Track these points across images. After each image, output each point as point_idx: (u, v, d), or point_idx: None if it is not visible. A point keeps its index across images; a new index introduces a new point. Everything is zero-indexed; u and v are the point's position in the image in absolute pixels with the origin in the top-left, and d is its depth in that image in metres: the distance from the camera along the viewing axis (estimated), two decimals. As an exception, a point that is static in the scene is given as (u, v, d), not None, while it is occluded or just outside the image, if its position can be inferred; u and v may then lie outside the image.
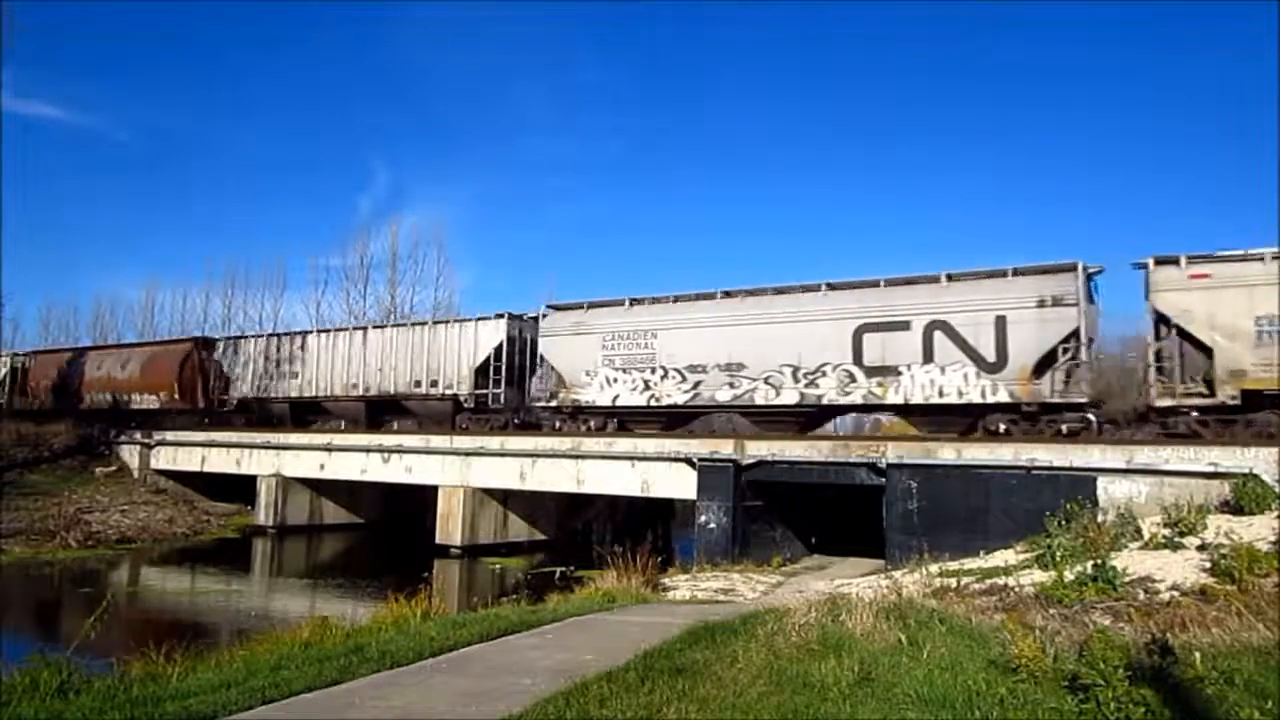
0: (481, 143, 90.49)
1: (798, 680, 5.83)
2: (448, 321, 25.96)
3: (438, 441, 23.56)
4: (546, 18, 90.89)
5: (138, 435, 31.21)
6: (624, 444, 20.34)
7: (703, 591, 14.09)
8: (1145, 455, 14.38)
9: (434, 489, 23.18)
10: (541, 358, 23.86)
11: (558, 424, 23.15)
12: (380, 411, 27.77)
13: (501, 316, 24.57)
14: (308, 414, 29.70)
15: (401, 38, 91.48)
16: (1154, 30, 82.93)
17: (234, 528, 27.37)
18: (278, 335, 30.80)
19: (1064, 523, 13.26)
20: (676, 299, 21.86)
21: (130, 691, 5.96)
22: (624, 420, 22.19)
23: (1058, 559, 11.41)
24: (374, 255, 47.13)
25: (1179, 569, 10.57)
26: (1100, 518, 13.48)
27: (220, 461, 28.74)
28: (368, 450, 24.90)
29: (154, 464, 30.33)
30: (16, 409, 36.53)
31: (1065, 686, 5.22)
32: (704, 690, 5.66)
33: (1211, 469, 13.72)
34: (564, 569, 17.89)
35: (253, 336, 31.67)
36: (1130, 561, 11.11)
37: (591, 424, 22.33)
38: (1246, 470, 13.28)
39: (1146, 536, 12.38)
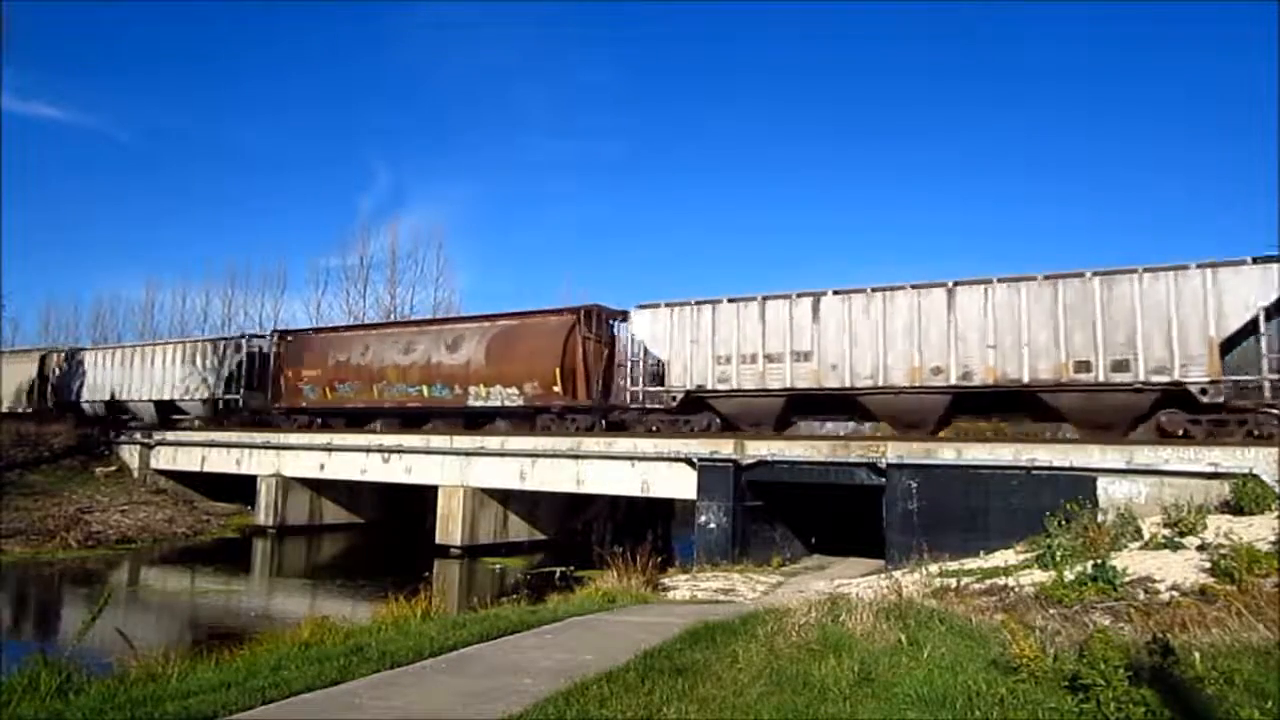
0: (481, 143, 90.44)
1: (798, 680, 5.83)
2: (1136, 271, 16.46)
3: (437, 441, 23.54)
4: (546, 18, 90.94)
5: (137, 435, 31.18)
6: (624, 444, 20.34)
7: (703, 591, 14.10)
8: (1145, 455, 14.40)
9: (434, 489, 23.16)
10: None
11: None
12: (971, 408, 18.15)
13: (1273, 260, 15.35)
14: (816, 412, 19.92)
15: (402, 38, 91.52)
16: (1153, 30, 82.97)
17: (234, 528, 27.35)
18: (762, 299, 19.93)
19: (1064, 523, 13.30)
20: None
21: (130, 691, 5.96)
22: None
23: (1058, 559, 11.43)
24: (374, 255, 47.09)
25: (1179, 569, 10.58)
26: (1100, 518, 13.51)
27: (220, 461, 28.71)
28: (367, 450, 24.87)
29: (154, 464, 30.29)
30: (258, 408, 29.79)
31: (1065, 686, 5.22)
32: (704, 690, 5.66)
33: (1211, 469, 13.73)
34: (564, 569, 17.90)
35: (706, 303, 20.69)
36: (1130, 561, 11.12)
37: None
38: (1246, 470, 13.29)
39: (1146, 537, 12.40)
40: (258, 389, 29.99)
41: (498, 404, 23.64)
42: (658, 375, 21.65)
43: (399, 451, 24.13)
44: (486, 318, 25.41)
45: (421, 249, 48.37)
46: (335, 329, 30.72)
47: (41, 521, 23.04)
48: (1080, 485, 14.50)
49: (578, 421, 22.44)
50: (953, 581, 10.90)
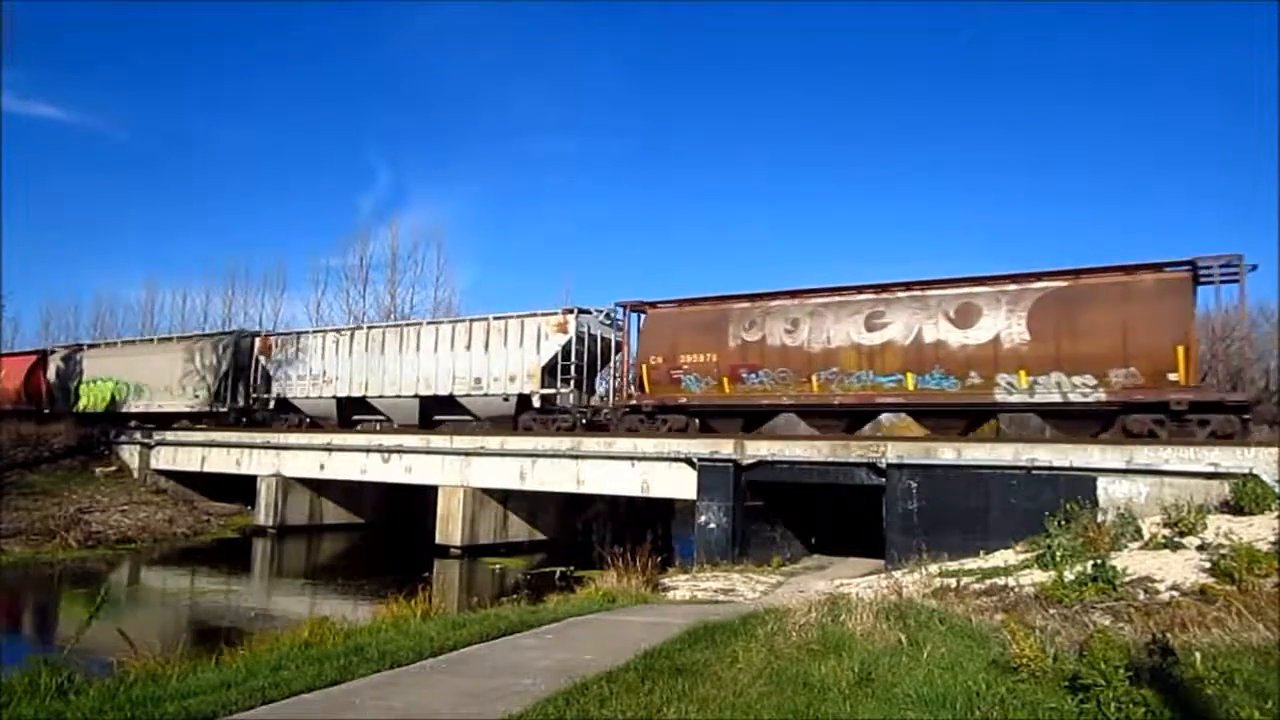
0: (482, 142, 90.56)
1: (798, 680, 5.83)
2: None
3: (438, 441, 23.54)
4: (546, 18, 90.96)
5: (138, 435, 31.13)
6: (624, 444, 20.31)
7: (703, 591, 14.09)
8: (1145, 455, 14.38)
9: (434, 489, 23.17)
10: None
11: None
12: None
13: None
14: None
15: (402, 37, 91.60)
16: (1153, 30, 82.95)
17: (234, 528, 27.35)
18: None
19: (1064, 523, 13.30)
20: None
21: (130, 691, 5.95)
22: None
23: (1058, 559, 11.42)
24: (374, 255, 46.95)
25: (1179, 569, 10.58)
26: (1100, 518, 13.52)
27: (220, 461, 28.69)
28: (368, 450, 24.86)
29: (154, 464, 30.26)
30: (576, 406, 22.79)
31: (1065, 686, 5.22)
32: (704, 690, 5.65)
33: (1211, 469, 13.73)
34: (564, 569, 17.89)
35: None
36: (1130, 561, 11.12)
37: None
38: (1246, 470, 13.29)
39: (1146, 536, 12.40)
40: (578, 382, 23.03)
41: (1054, 398, 16.63)
42: None
43: (399, 451, 24.11)
44: (1009, 278, 17.67)
45: (422, 248, 48.25)
46: (732, 298, 21.07)
47: (42, 521, 23.02)
48: (1080, 485, 14.50)
49: (1211, 425, 15.21)
50: (953, 581, 10.89)
